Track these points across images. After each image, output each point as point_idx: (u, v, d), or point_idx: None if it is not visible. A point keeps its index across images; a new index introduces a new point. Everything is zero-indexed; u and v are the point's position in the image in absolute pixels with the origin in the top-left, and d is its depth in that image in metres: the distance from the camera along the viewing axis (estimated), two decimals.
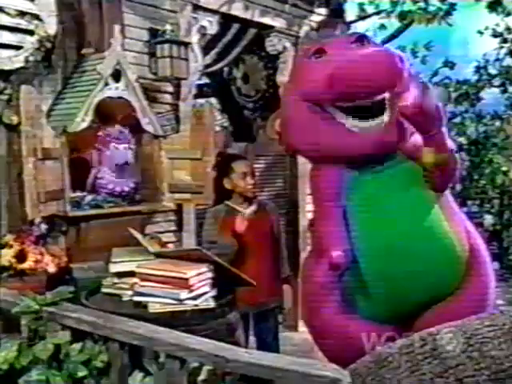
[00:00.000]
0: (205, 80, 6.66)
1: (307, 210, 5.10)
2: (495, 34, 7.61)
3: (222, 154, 3.53)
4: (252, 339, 3.58)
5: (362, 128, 2.43)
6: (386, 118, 2.43)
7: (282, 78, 5.00)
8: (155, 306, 2.44)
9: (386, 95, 2.39)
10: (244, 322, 3.37)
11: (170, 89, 4.07)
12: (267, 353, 2.08)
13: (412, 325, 2.44)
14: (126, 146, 3.47)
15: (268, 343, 3.52)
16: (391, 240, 2.41)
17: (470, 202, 8.56)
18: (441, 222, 2.47)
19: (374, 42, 2.61)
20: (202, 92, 6.81)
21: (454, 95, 8.05)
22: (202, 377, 1.93)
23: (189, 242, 4.13)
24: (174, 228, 4.12)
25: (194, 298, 2.44)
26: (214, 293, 2.56)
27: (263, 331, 3.55)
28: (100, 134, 3.41)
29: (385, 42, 6.31)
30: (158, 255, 2.65)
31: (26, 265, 2.82)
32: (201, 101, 7.60)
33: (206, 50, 4.75)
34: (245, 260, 3.27)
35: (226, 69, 6.22)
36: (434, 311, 2.43)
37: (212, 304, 2.52)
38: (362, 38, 2.54)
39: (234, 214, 3.40)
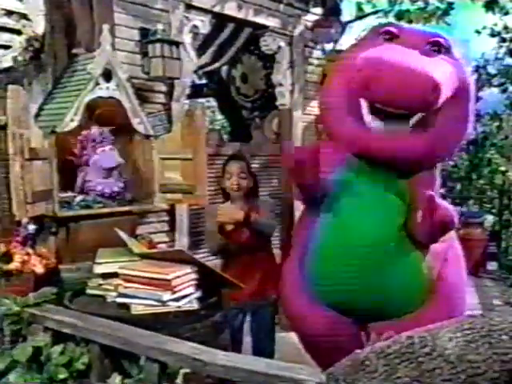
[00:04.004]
0: (204, 80, 6.67)
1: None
2: (493, 34, 7.60)
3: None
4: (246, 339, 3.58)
5: (381, 129, 2.39)
6: (408, 126, 2.38)
7: (278, 77, 4.99)
8: (138, 308, 2.43)
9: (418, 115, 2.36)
10: (239, 321, 3.40)
11: (163, 88, 4.06)
12: (245, 356, 2.07)
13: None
14: (111, 146, 3.42)
15: (262, 340, 3.53)
16: (360, 251, 2.41)
17: (469, 202, 8.56)
18: (414, 249, 2.46)
19: (452, 52, 2.50)
20: (201, 92, 6.82)
21: None
22: (179, 380, 1.91)
23: (182, 242, 4.12)
24: (166, 228, 4.11)
25: (177, 300, 2.43)
26: (198, 294, 2.55)
27: (258, 328, 3.55)
28: (80, 137, 3.35)
29: None
30: (142, 256, 2.64)
31: (12, 266, 2.80)
32: (201, 100, 7.63)
33: (201, 49, 4.74)
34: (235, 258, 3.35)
35: (225, 69, 6.21)
36: (393, 323, 2.42)
37: (196, 305, 2.50)
38: (439, 43, 2.48)
39: None
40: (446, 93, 2.33)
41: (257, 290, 3.33)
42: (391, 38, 2.49)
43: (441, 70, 2.33)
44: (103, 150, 3.33)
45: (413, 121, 2.39)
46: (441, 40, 2.51)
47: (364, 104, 2.41)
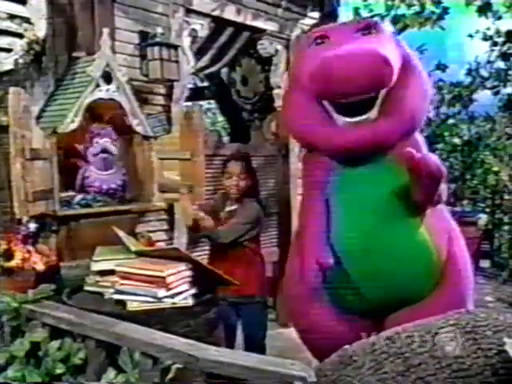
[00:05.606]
0: (205, 83, 6.74)
1: None
2: (485, 38, 7.75)
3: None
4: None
5: (347, 123, 2.45)
6: (372, 115, 2.44)
7: (275, 80, 5.05)
8: (133, 304, 2.48)
9: (373, 94, 2.40)
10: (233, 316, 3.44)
11: (162, 90, 4.11)
12: (238, 351, 2.11)
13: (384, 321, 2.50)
14: (108, 140, 3.47)
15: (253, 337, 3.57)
16: (366, 239, 2.45)
17: (464, 202, 8.68)
18: (419, 227, 2.50)
19: (383, 31, 2.54)
20: (202, 94, 6.89)
21: (447, 97, 8.13)
22: (170, 375, 1.95)
23: (180, 240, 4.17)
24: (165, 227, 4.16)
25: (172, 296, 2.48)
26: (193, 291, 2.60)
27: (251, 325, 3.59)
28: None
29: None
30: (139, 254, 2.69)
31: (13, 263, 2.86)
32: (203, 103, 7.69)
33: (200, 52, 4.80)
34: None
35: (225, 72, 6.28)
36: (406, 312, 2.47)
37: (190, 302, 2.55)
38: (369, 26, 2.52)
39: None
40: (396, 65, 2.38)
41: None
42: (322, 40, 2.55)
43: (382, 46, 2.39)
44: (97, 142, 3.39)
45: (376, 107, 2.44)
46: (368, 22, 2.58)
47: (328, 105, 2.47)
